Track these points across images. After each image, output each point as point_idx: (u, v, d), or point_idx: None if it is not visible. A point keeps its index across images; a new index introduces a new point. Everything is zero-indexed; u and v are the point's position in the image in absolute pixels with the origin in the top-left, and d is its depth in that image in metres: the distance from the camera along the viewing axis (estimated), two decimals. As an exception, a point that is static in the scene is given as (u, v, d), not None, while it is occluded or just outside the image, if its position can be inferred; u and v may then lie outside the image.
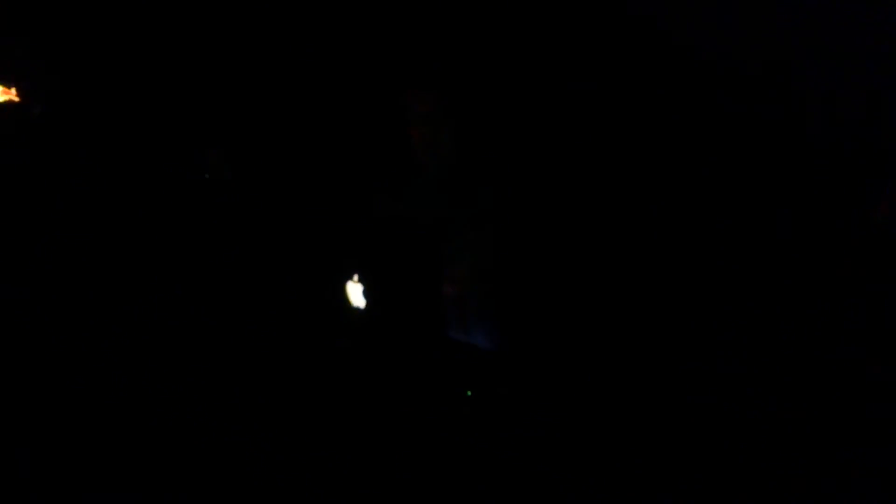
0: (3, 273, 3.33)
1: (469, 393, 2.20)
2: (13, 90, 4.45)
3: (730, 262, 2.92)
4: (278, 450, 2.05)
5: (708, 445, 2.39)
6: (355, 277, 2.01)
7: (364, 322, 2.12)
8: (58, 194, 4.00)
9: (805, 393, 2.55)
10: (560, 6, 3.33)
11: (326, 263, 2.22)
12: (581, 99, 3.25)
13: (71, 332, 2.80)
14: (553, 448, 2.27)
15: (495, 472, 2.10)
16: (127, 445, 2.20)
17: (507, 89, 3.35)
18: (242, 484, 1.97)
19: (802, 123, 2.85)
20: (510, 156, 3.05)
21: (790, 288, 2.68)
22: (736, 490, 2.20)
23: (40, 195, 4.11)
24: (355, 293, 2.05)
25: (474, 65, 3.21)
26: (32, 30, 4.45)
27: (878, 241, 2.50)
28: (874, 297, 2.50)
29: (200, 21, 4.06)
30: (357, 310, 2.10)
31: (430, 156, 2.67)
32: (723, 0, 2.99)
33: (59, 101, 4.45)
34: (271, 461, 2.03)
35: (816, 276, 2.60)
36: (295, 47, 3.90)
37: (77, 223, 3.71)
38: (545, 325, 3.00)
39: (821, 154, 2.78)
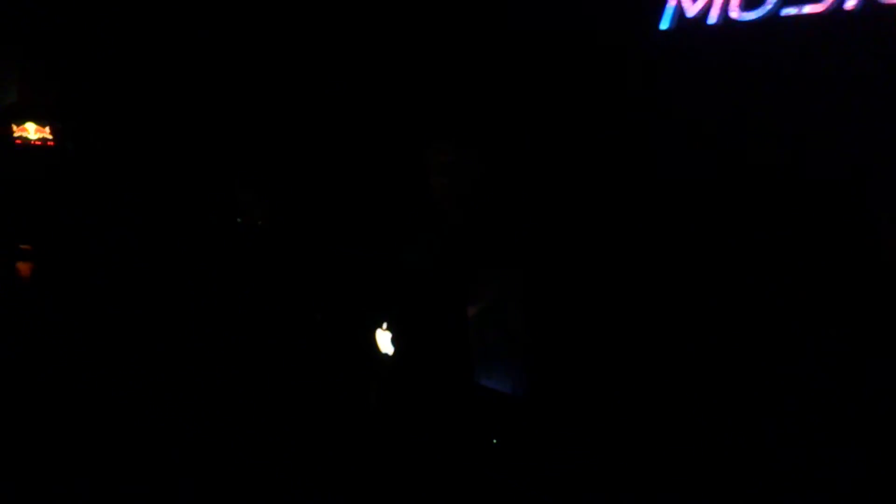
0: (42, 304, 3.39)
1: (495, 441, 2.20)
2: (47, 129, 4.55)
3: (767, 308, 2.92)
4: (310, 492, 2.07)
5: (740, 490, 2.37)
6: (384, 325, 2.03)
7: (393, 368, 2.13)
8: (90, 229, 4.06)
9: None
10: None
11: (356, 311, 2.24)
12: (597, 143, 3.27)
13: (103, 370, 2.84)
14: (578, 495, 2.26)
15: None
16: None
17: (525, 138, 3.38)
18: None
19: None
20: (532, 203, 3.07)
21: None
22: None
23: (73, 230, 4.17)
24: (384, 340, 2.07)
25: (492, 118, 3.24)
26: (67, 72, 4.55)
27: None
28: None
29: (235, 71, 4.13)
30: (386, 356, 2.11)
31: (451, 206, 2.69)
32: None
33: (92, 141, 4.53)
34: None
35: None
36: (326, 105, 3.96)
37: (109, 259, 3.77)
38: (572, 372, 3.00)
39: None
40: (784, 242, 2.91)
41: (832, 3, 2.72)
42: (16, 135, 4.44)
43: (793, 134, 2.94)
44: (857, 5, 2.68)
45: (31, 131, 4.49)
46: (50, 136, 4.52)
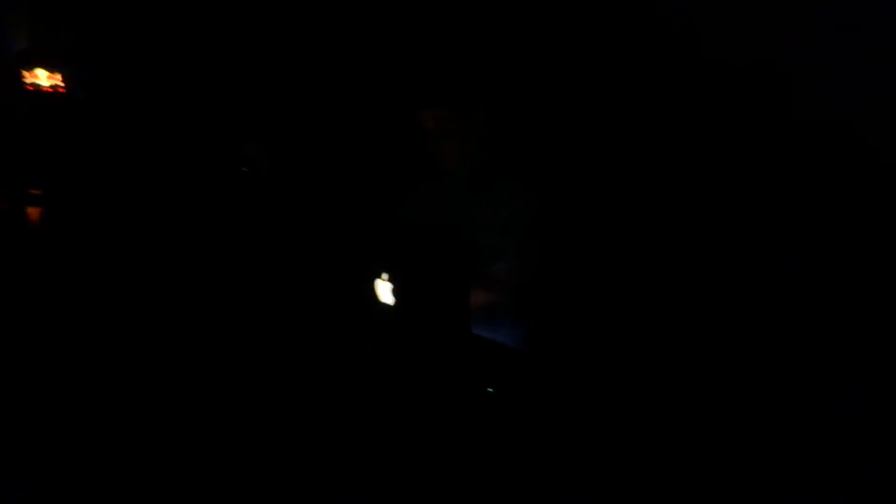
0: (47, 252, 3.43)
1: (491, 390, 2.23)
2: (59, 75, 4.55)
3: (762, 268, 2.92)
4: (296, 448, 2.10)
5: (738, 448, 2.39)
6: (384, 275, 2.05)
7: (391, 318, 2.16)
8: (99, 177, 4.09)
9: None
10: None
11: (356, 260, 2.26)
12: (602, 101, 3.25)
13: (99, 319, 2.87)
14: (576, 448, 2.29)
15: (516, 472, 2.13)
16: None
17: (528, 96, 3.36)
18: (258, 485, 2.03)
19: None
20: (537, 155, 3.07)
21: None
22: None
23: (83, 177, 4.20)
24: (384, 290, 2.09)
25: (495, 77, 3.23)
26: (78, 17, 4.54)
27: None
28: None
29: (244, 21, 4.11)
30: (385, 306, 2.14)
31: (458, 158, 2.70)
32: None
33: (103, 87, 4.53)
34: (290, 460, 2.08)
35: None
36: (334, 62, 3.94)
37: (117, 208, 3.80)
38: (573, 323, 3.02)
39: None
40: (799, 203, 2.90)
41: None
42: (27, 81, 4.44)
43: (822, 99, 2.90)
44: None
45: (43, 77, 4.49)
46: (61, 83, 4.52)
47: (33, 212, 3.72)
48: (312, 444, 2.07)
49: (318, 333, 2.30)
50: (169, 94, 4.23)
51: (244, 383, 2.28)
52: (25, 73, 4.43)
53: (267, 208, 3.02)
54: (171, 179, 3.63)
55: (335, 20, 3.87)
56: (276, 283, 2.62)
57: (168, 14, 4.33)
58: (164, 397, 2.39)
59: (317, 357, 2.20)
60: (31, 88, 4.45)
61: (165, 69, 4.31)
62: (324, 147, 3.60)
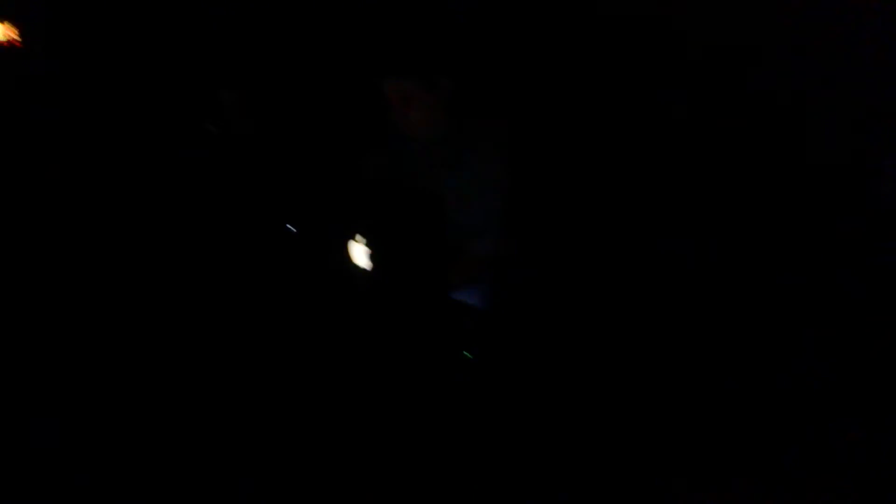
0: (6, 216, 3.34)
1: (467, 354, 2.21)
2: (14, 28, 4.38)
3: (732, 239, 2.92)
4: (277, 401, 2.08)
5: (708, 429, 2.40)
6: (359, 238, 2.01)
7: (366, 282, 2.12)
8: (59, 136, 3.97)
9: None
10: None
11: (332, 223, 2.21)
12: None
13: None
14: (550, 414, 2.29)
15: (493, 436, 2.13)
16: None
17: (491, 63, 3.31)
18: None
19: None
20: (504, 124, 3.02)
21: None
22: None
23: (41, 136, 4.08)
24: (359, 253, 2.05)
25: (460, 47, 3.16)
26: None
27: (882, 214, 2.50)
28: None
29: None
30: (360, 270, 2.10)
31: (424, 127, 2.64)
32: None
33: (62, 41, 4.38)
34: (270, 413, 2.06)
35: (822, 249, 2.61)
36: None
37: (78, 169, 3.70)
38: (547, 287, 3.01)
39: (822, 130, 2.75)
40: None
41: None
42: (-23, 34, 4.27)
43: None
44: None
45: (-1, 31, 4.32)
46: (17, 37, 4.36)
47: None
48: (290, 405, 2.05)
49: (291, 298, 2.26)
50: (135, 47, 4.07)
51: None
52: (-24, 26, 4.26)
53: (236, 167, 2.94)
54: (136, 137, 3.52)
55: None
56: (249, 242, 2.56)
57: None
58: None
59: (291, 321, 2.16)
60: (-18, 43, 4.28)
61: (131, 17, 4.14)
62: (297, 106, 3.50)
